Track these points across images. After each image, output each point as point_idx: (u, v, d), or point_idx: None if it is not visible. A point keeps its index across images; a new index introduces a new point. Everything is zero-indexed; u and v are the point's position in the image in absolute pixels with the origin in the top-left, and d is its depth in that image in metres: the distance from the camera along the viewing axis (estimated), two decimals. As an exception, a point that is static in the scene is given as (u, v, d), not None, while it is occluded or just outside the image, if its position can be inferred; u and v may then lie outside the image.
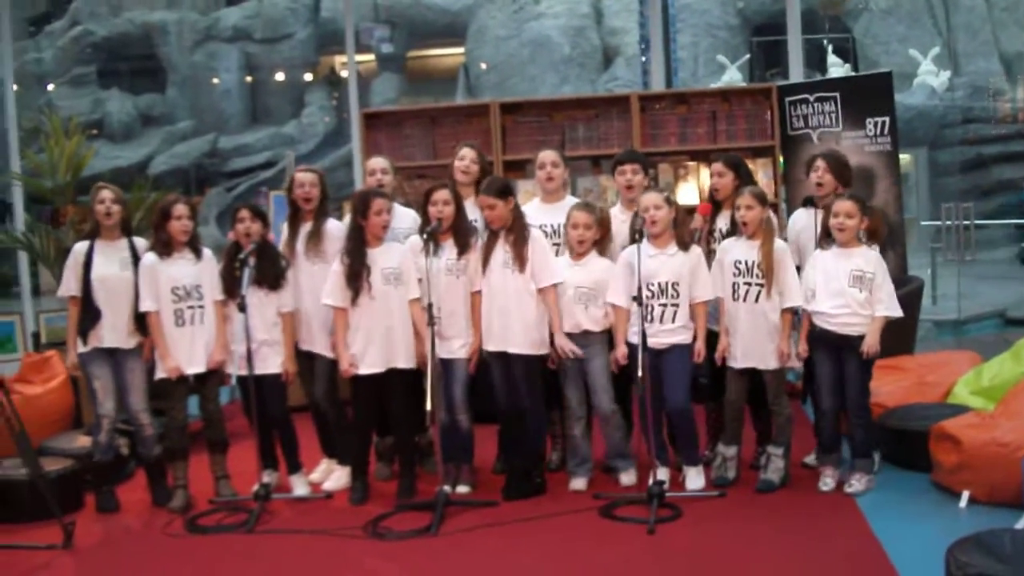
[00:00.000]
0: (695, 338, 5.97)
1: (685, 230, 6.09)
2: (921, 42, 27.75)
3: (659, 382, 5.94)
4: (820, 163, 6.33)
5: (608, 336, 6.11)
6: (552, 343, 6.07)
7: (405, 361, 6.07)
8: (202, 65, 30.87)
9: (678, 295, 5.93)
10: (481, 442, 6.43)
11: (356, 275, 5.99)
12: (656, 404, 5.90)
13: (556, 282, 6.02)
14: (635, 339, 5.83)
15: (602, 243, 6.16)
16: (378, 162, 6.78)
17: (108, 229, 6.21)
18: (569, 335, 6.06)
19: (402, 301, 6.08)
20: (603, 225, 6.14)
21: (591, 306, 6.06)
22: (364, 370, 6.04)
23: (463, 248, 6.12)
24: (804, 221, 6.47)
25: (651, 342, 5.83)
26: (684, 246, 5.98)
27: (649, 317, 5.87)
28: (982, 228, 15.91)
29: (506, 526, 5.63)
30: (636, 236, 5.86)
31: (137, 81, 31.10)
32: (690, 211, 6.61)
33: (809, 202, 6.43)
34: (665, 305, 5.93)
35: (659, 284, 5.92)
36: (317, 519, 5.90)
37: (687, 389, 6.00)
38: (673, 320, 5.94)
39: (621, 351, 5.99)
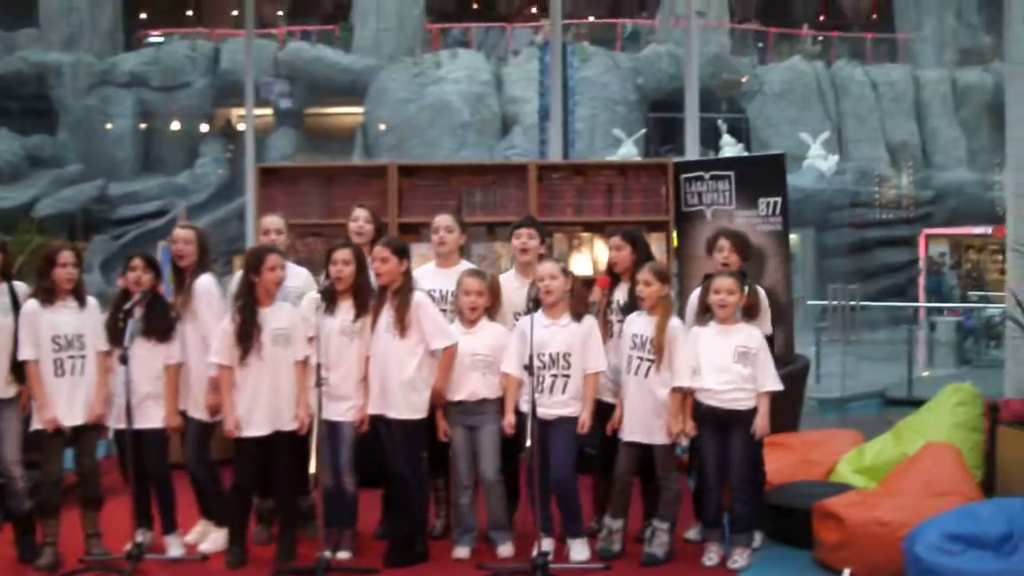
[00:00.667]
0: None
1: (579, 301, 6.10)
2: (811, 126, 28.66)
3: (546, 452, 5.91)
4: (724, 243, 6.35)
5: (500, 404, 6.07)
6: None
7: (291, 423, 5.95)
8: (96, 109, 30.36)
9: (569, 366, 5.94)
10: (365, 507, 6.30)
11: (247, 334, 5.86)
12: (543, 474, 5.86)
13: (451, 343, 5.96)
14: (525, 407, 5.80)
15: (492, 309, 6.15)
16: (272, 221, 6.69)
17: (-14, 275, 6.00)
18: (464, 403, 6.01)
19: (289, 362, 5.98)
20: (493, 292, 6.13)
21: (488, 373, 6.03)
22: (249, 432, 5.90)
23: (361, 309, 6.03)
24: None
25: (540, 412, 5.81)
26: (577, 316, 6.00)
27: (540, 387, 5.86)
28: (865, 309, 16.28)
29: (386, 594, 5.52)
30: (531, 305, 5.86)
31: (27, 121, 30.41)
32: (587, 283, 6.63)
33: (708, 279, 6.46)
34: (556, 376, 5.93)
35: (550, 355, 5.93)
36: (191, 582, 5.70)
37: (572, 461, 5.99)
38: (563, 391, 5.94)
39: (509, 419, 5.97)
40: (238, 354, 5.87)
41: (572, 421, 5.95)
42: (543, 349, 5.90)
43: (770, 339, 6.23)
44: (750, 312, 6.07)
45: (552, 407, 5.92)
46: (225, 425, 5.95)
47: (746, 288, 6.03)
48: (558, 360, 5.93)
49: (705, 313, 6.03)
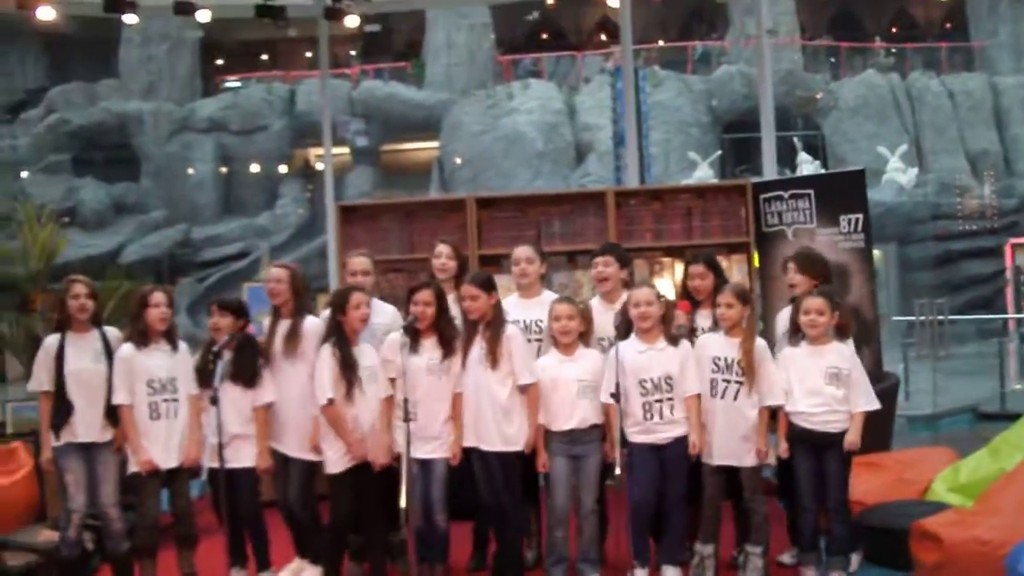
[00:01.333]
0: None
1: (672, 326, 6.09)
2: (889, 139, 28.26)
3: (661, 476, 5.90)
4: (790, 264, 6.43)
5: (602, 431, 6.06)
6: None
7: (381, 457, 6.01)
8: (176, 155, 30.98)
9: (671, 388, 5.92)
10: (457, 539, 6.32)
11: (349, 368, 5.95)
12: (649, 500, 5.86)
13: (533, 381, 5.98)
14: (637, 437, 5.87)
15: (585, 336, 6.13)
16: (360, 262, 6.70)
17: (80, 323, 6.13)
18: (573, 431, 5.99)
19: (377, 399, 6.07)
20: (584, 317, 6.12)
21: (595, 399, 6.01)
22: (344, 467, 5.98)
23: (447, 348, 6.08)
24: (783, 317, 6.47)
25: (652, 438, 5.85)
26: (673, 341, 5.98)
27: (650, 414, 5.87)
28: (953, 323, 16.00)
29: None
30: (619, 332, 5.88)
31: (111, 170, 31.13)
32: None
33: (793, 300, 6.42)
34: (661, 400, 5.91)
35: (652, 380, 5.91)
36: (287, 618, 5.77)
37: (687, 483, 5.96)
38: (672, 412, 5.91)
39: (609, 448, 5.97)
40: (342, 390, 5.95)
41: (685, 441, 5.92)
42: (644, 375, 5.90)
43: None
44: (842, 332, 6.00)
45: (665, 430, 5.91)
46: (353, 451, 5.98)
47: (837, 309, 5.96)
48: (660, 385, 5.90)
49: (796, 334, 5.99)
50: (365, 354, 6.09)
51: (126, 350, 6.05)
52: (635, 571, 5.83)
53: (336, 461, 6.01)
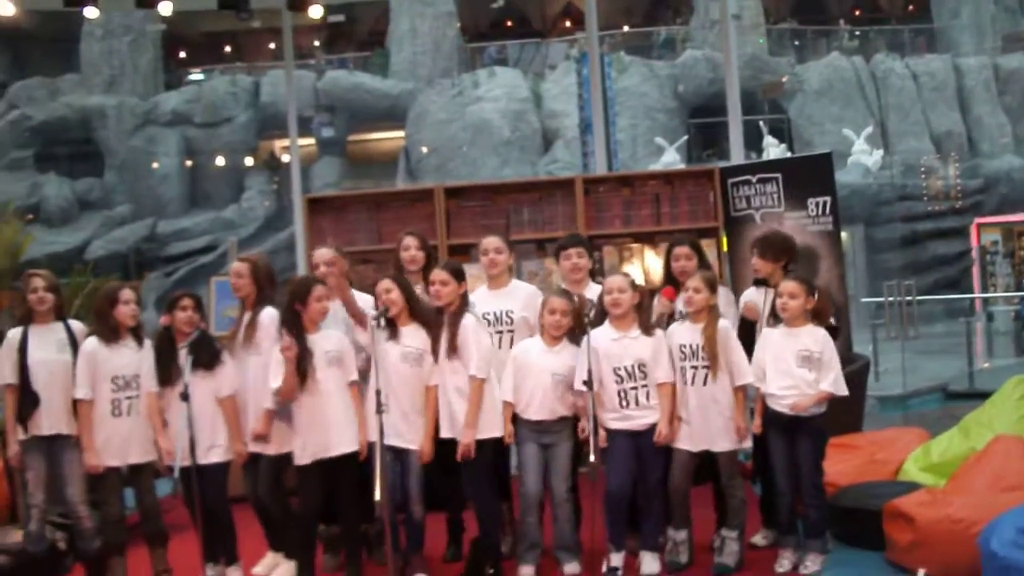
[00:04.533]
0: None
1: (647, 315, 6.08)
2: (854, 122, 28.43)
3: (637, 463, 5.91)
4: (753, 250, 6.44)
5: (574, 422, 6.05)
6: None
7: (348, 445, 5.95)
8: (140, 149, 30.77)
9: (646, 376, 5.92)
10: (432, 530, 6.31)
11: (300, 359, 5.90)
12: (625, 487, 5.87)
13: (482, 376, 5.93)
14: (613, 424, 5.89)
15: (573, 332, 6.08)
16: (322, 254, 6.59)
17: (41, 314, 6.07)
18: (542, 422, 5.98)
19: (342, 384, 6.02)
20: (576, 315, 6.08)
21: (567, 392, 5.99)
22: (309, 458, 5.92)
23: (432, 332, 6.05)
24: (753, 299, 6.48)
25: (628, 424, 5.86)
26: (647, 330, 5.98)
27: (625, 401, 5.88)
28: (921, 303, 16.12)
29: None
30: (587, 323, 5.89)
31: (75, 165, 30.91)
32: (651, 292, 6.58)
33: (762, 282, 6.44)
34: (636, 388, 5.91)
35: (626, 368, 5.91)
36: (263, 614, 5.73)
37: (664, 469, 5.96)
38: (647, 399, 5.91)
39: (583, 425, 5.93)
40: (295, 381, 5.91)
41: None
42: (618, 363, 5.90)
43: (834, 330, 6.19)
44: (819, 316, 6.00)
45: (641, 417, 5.91)
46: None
47: (815, 292, 5.96)
48: (634, 372, 5.91)
49: (774, 315, 6.00)
50: (327, 339, 6.03)
51: (91, 344, 5.99)
52: (611, 556, 5.82)
53: (302, 453, 5.97)
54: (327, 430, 5.93)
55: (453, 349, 5.96)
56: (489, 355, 6.03)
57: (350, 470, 5.99)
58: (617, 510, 5.92)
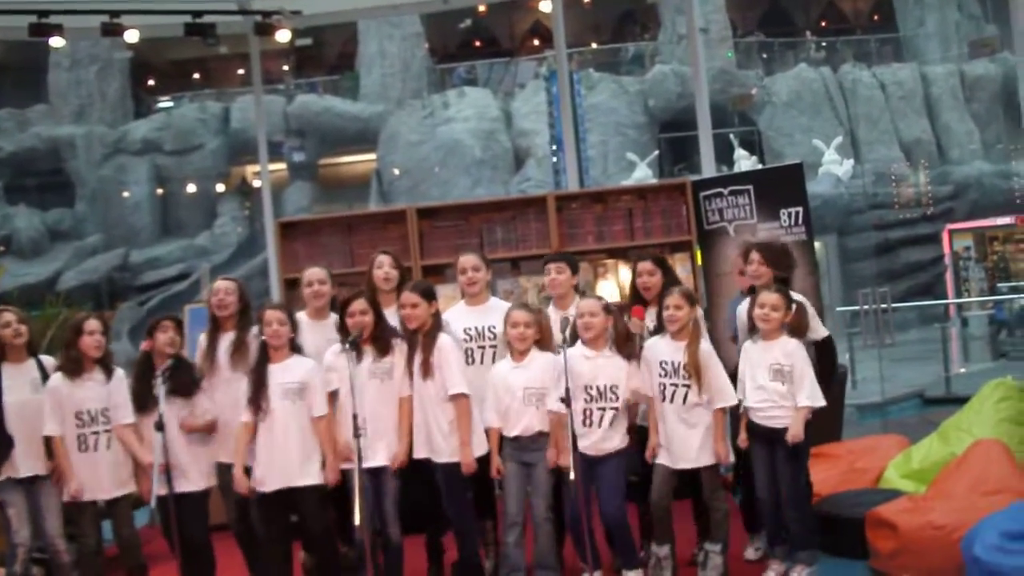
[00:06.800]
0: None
1: (625, 340, 6.00)
2: (824, 132, 28.61)
3: (596, 488, 5.86)
4: (755, 256, 6.23)
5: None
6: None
7: (305, 479, 5.83)
8: (111, 178, 30.66)
9: (617, 398, 5.87)
10: (411, 552, 6.25)
11: (255, 390, 5.83)
12: (584, 512, 5.79)
13: (462, 392, 5.89)
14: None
15: (541, 342, 6.06)
16: (314, 273, 6.56)
17: (15, 351, 6.02)
18: (520, 438, 5.95)
19: (301, 417, 5.88)
20: (540, 324, 6.06)
21: (541, 406, 5.95)
22: (266, 488, 5.81)
23: (383, 350, 5.99)
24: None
25: (587, 449, 5.77)
26: (626, 356, 5.94)
27: (588, 421, 5.83)
28: (896, 311, 16.19)
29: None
30: (566, 339, 5.86)
31: (45, 196, 30.77)
32: (620, 309, 6.53)
33: (752, 291, 6.35)
34: (604, 409, 5.86)
35: (598, 388, 5.87)
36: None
37: (623, 496, 5.92)
38: (610, 424, 5.86)
39: (551, 455, 5.89)
40: (251, 410, 5.85)
41: (621, 456, 5.88)
42: (591, 382, 5.86)
43: (829, 341, 6.20)
44: (797, 331, 5.96)
45: (600, 443, 5.85)
46: (237, 485, 5.85)
47: (793, 306, 5.93)
48: (605, 393, 5.87)
49: (754, 328, 5.97)
50: (291, 370, 5.92)
51: (55, 380, 5.95)
52: (591, 575, 5.78)
53: (260, 483, 5.84)
54: (282, 464, 5.81)
55: (427, 370, 5.92)
56: (463, 373, 5.99)
57: (313, 500, 5.88)
58: (578, 533, 5.81)
